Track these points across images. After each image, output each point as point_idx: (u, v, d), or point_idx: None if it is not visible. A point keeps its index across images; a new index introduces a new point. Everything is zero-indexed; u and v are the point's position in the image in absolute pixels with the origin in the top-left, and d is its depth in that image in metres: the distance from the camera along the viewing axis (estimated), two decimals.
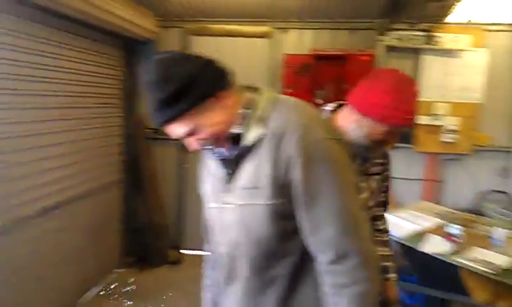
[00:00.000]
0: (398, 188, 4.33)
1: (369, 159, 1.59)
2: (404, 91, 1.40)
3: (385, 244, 1.77)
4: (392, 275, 1.76)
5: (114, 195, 4.34)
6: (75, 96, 3.51)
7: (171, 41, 4.51)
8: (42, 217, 3.13)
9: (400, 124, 1.41)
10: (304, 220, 1.06)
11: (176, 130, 1.10)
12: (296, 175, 1.03)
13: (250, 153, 1.11)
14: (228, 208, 1.17)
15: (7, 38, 2.69)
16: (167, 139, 4.53)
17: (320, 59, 4.26)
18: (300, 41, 4.45)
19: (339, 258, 1.03)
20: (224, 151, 1.17)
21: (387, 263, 1.75)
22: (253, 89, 1.20)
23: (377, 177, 1.63)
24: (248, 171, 1.11)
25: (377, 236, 1.73)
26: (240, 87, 1.19)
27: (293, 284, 1.14)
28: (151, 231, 4.43)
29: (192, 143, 1.14)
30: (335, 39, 4.40)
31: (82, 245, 3.71)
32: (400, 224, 3.12)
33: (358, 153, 1.51)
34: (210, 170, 1.27)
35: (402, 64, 4.32)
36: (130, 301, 3.70)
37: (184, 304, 3.71)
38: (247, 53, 4.50)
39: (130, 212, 4.46)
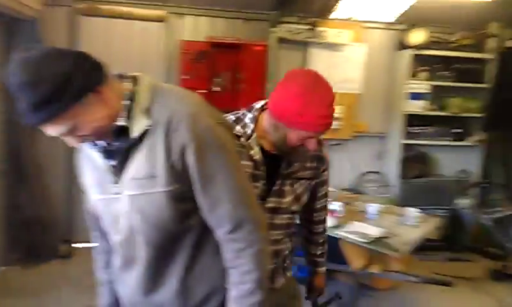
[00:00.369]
0: None
1: (292, 163, 1.54)
2: (316, 95, 1.33)
3: (322, 244, 1.89)
4: (322, 269, 1.92)
5: None
6: None
7: (57, 21, 4.19)
8: None
9: (311, 130, 1.37)
10: (201, 200, 1.15)
11: (54, 130, 1.03)
12: (191, 161, 1.10)
13: (138, 145, 1.12)
14: (119, 199, 1.18)
15: None
16: None
17: (216, 46, 4.34)
18: (196, 27, 4.48)
19: (236, 227, 1.15)
20: (104, 143, 1.16)
21: (319, 259, 1.90)
22: (131, 78, 1.17)
23: (305, 181, 1.60)
24: (138, 161, 1.13)
25: (314, 238, 1.87)
26: (116, 78, 1.17)
27: (194, 256, 1.23)
28: (38, 224, 4.13)
29: (72, 141, 1.09)
30: (231, 28, 4.51)
31: None
32: None
33: (281, 156, 1.51)
34: (91, 161, 1.23)
35: (292, 56, 4.62)
36: (17, 299, 3.44)
37: (78, 298, 3.56)
38: (141, 37, 4.39)
39: (13, 205, 4.10)
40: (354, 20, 4.65)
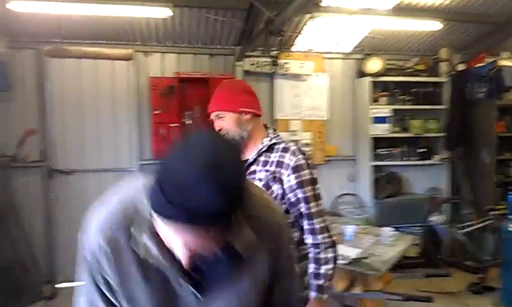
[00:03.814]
0: None
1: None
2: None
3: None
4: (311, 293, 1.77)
5: None
6: None
7: (25, 63, 4.25)
8: None
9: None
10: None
11: (207, 239, 0.83)
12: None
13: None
14: None
15: None
16: (28, 166, 4.23)
17: (184, 81, 4.46)
18: (163, 64, 4.61)
19: None
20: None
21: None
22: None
23: (259, 182, 1.71)
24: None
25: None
26: None
27: None
28: (18, 266, 3.95)
29: (187, 256, 0.86)
30: (197, 63, 4.68)
31: None
32: None
33: None
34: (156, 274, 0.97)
35: (260, 87, 4.78)
36: None
37: None
38: (110, 75, 4.47)
39: None
40: (314, 52, 4.91)
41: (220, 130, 1.75)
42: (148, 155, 4.57)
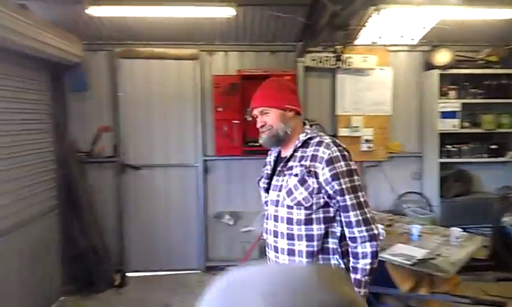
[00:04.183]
0: None
1: (288, 160, 1.83)
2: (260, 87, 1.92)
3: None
4: None
5: (51, 222, 4.13)
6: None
7: (99, 65, 4.52)
8: None
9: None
10: None
11: None
12: None
13: None
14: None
15: None
16: (102, 162, 4.52)
17: (246, 79, 4.52)
18: (226, 62, 4.70)
19: None
20: None
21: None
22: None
23: (294, 178, 1.77)
24: None
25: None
26: None
27: None
28: (92, 255, 4.27)
29: None
30: (258, 61, 4.72)
31: (22, 277, 3.49)
32: None
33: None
34: None
35: (321, 83, 4.74)
36: None
37: None
38: (177, 74, 4.64)
39: (68, 238, 4.27)
40: (378, 45, 4.77)
41: (263, 125, 1.83)
42: (211, 151, 4.71)
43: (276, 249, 1.82)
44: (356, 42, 4.65)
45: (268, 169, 1.95)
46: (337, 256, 1.76)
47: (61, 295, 4.16)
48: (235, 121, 4.49)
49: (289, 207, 1.75)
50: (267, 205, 1.90)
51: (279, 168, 1.84)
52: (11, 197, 3.43)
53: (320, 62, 4.68)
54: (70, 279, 4.29)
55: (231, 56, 4.70)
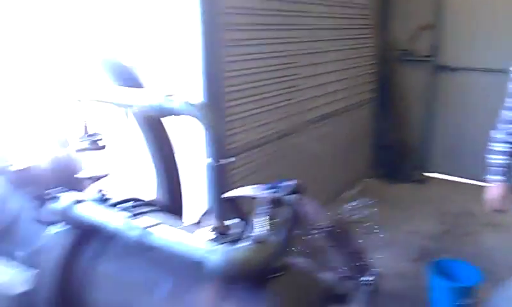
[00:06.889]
0: None
1: None
2: None
3: None
4: None
5: (366, 113, 4.70)
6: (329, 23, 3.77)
7: None
8: (317, 123, 3.74)
9: None
10: None
11: None
12: None
13: None
14: None
15: None
16: (418, 60, 4.60)
17: None
18: None
19: None
20: None
21: None
22: None
23: None
24: None
25: None
26: None
27: None
28: (398, 149, 4.70)
29: None
30: None
31: (340, 153, 4.22)
32: None
33: None
34: None
35: None
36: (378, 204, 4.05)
37: (429, 217, 3.91)
38: None
39: (379, 130, 4.81)
40: None
41: None
42: None
43: None
44: None
45: None
46: None
47: (365, 177, 4.76)
48: None
49: None
50: None
51: None
52: (336, 86, 3.96)
53: None
54: (374, 165, 4.85)
55: None
